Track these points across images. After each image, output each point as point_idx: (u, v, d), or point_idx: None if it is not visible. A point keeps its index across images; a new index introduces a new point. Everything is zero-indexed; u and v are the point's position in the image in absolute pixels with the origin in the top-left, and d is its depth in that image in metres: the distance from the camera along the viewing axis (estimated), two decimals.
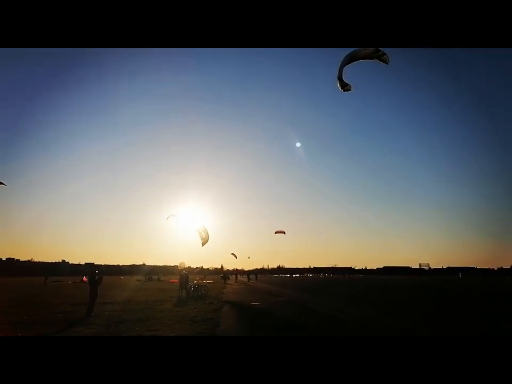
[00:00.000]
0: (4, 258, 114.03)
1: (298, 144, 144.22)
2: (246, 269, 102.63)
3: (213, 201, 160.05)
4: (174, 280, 39.66)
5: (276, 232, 28.45)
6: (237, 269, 73.01)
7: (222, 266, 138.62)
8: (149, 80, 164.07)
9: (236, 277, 54.51)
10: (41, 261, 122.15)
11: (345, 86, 9.57)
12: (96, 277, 11.60)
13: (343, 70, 9.50)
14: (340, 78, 9.51)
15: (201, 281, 29.67)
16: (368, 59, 9.31)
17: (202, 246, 20.74)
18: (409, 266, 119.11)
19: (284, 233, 28.92)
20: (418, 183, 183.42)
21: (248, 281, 48.08)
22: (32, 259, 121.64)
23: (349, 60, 9.33)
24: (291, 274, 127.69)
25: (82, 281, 38.11)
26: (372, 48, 9.09)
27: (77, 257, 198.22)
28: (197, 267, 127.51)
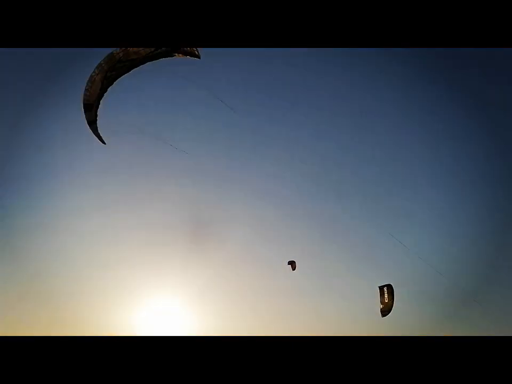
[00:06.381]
0: None
1: None
2: None
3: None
4: None
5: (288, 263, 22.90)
6: None
7: None
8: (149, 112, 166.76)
9: None
10: None
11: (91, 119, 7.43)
12: None
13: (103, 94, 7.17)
14: (95, 106, 7.28)
15: None
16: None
17: (383, 316, 14.42)
18: None
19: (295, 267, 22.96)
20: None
21: None
22: None
23: (108, 63, 6.60)
24: None
25: None
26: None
27: None
28: None
